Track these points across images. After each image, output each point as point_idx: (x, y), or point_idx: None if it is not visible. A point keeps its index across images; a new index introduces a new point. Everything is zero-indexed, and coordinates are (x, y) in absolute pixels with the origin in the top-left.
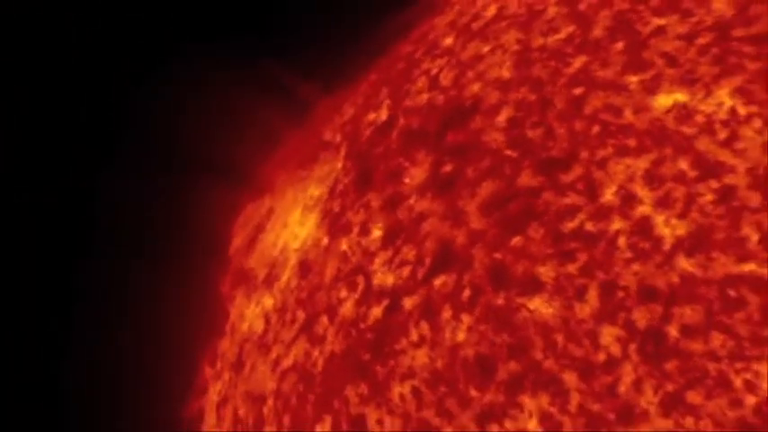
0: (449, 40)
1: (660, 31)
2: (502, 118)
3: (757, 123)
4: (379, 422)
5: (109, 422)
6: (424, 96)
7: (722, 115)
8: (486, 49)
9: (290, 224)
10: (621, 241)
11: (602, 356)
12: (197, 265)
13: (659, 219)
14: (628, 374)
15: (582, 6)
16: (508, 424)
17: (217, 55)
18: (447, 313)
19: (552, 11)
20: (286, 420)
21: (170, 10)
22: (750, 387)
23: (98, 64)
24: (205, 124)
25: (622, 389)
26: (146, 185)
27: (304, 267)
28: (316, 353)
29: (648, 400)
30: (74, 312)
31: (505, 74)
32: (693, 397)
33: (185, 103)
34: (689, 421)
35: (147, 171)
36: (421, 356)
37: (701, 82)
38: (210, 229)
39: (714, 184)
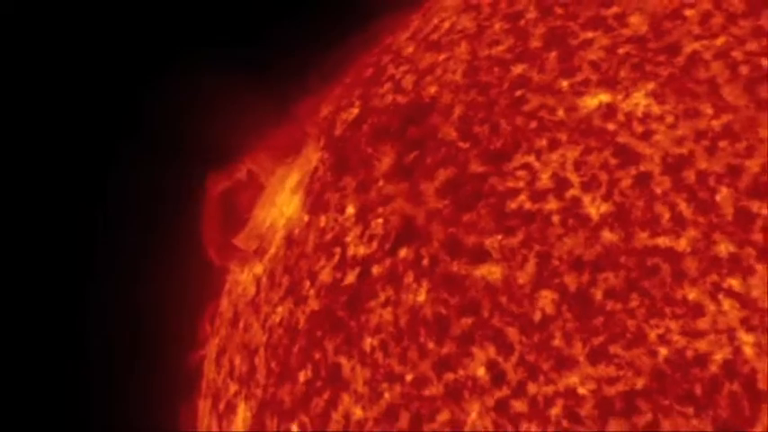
0: (410, 50)
1: (587, 43)
2: (455, 115)
3: (669, 120)
4: (353, 369)
5: (125, 372)
6: (390, 97)
7: (639, 113)
8: (441, 57)
9: (277, 204)
10: (555, 218)
11: (538, 315)
12: (198, 242)
13: (587, 199)
14: (560, 330)
15: (522, 23)
16: (461, 371)
17: (210, 60)
18: (409, 279)
19: (497, 26)
20: (274, 367)
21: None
22: (663, 340)
23: (99, 66)
24: (202, 119)
25: (556, 342)
26: (151, 175)
27: (289, 240)
28: (299, 311)
29: (578, 351)
30: (89, 279)
31: (458, 78)
32: (615, 349)
33: (182, 100)
34: (611, 369)
35: (153, 161)
36: (387, 315)
37: (621, 85)
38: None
39: (632, 170)
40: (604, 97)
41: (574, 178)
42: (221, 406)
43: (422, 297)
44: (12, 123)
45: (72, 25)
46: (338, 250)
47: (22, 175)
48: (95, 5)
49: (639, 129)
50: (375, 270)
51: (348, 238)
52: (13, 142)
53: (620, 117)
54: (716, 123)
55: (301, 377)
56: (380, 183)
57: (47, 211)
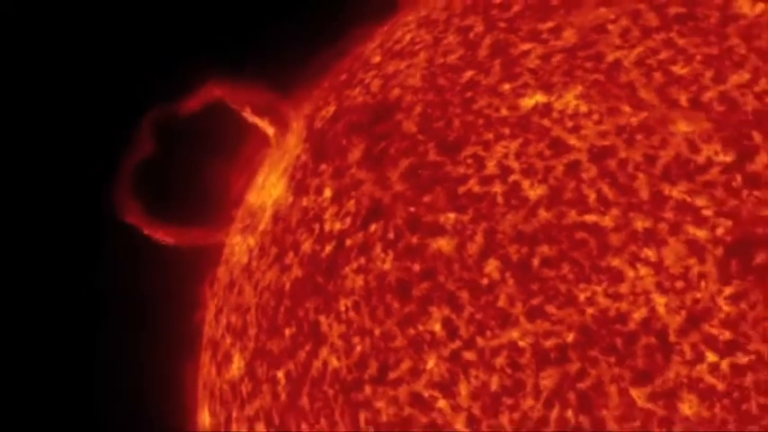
0: (377, 59)
1: (526, 52)
2: (415, 113)
3: (595, 117)
4: (330, 326)
5: (137, 330)
6: (360, 98)
7: (570, 111)
8: (403, 65)
9: (266, 187)
10: (499, 199)
11: (486, 280)
12: (199, 221)
13: (526, 183)
14: (503, 293)
15: (471, 35)
16: (420, 327)
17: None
18: (377, 250)
19: (450, 38)
20: (264, 324)
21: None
22: (590, 301)
23: (99, 66)
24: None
25: (500, 303)
26: (151, 173)
27: (276, 218)
28: (284, 277)
29: (519, 311)
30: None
31: (417, 82)
32: (550, 308)
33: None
34: (546, 325)
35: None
36: (359, 280)
37: (555, 88)
38: (210, 195)
39: (564, 159)
40: (540, 98)
41: (515, 166)
42: (219, 356)
43: (388, 265)
44: (11, 123)
45: (72, 25)
46: (317, 226)
47: (21, 174)
48: (96, 5)
49: (570, 124)
50: (348, 242)
51: (326, 216)
52: (13, 142)
53: (554, 115)
54: (634, 120)
55: (286, 332)
56: (353, 170)
57: (46, 210)
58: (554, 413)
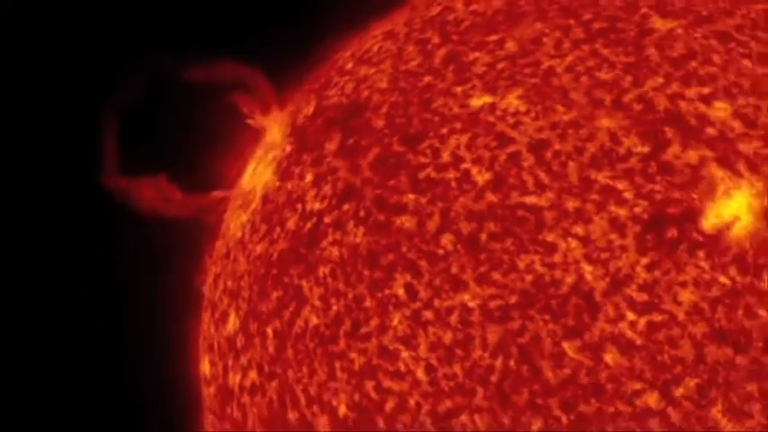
0: (350, 65)
1: (475, 60)
2: (382, 111)
3: (532, 115)
4: (310, 289)
5: (145, 293)
6: (336, 99)
7: (512, 110)
8: (372, 71)
9: (257, 173)
10: (453, 184)
11: (441, 251)
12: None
13: (474, 170)
14: (456, 262)
15: (429, 46)
16: (386, 290)
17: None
18: (350, 225)
19: (411, 48)
20: (255, 288)
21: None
22: (528, 269)
23: (99, 67)
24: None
25: (453, 270)
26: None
27: (265, 199)
28: (272, 249)
29: (469, 277)
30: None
31: (384, 85)
32: (495, 275)
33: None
34: (492, 289)
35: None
36: (335, 251)
37: (499, 90)
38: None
39: (507, 150)
40: (487, 99)
41: (466, 155)
42: (217, 315)
43: (359, 238)
44: (11, 124)
45: (72, 25)
46: (300, 206)
47: (20, 174)
48: (96, 6)
49: (511, 120)
50: (326, 219)
51: (307, 197)
52: (13, 143)
53: (498, 112)
54: (565, 117)
55: (274, 295)
56: (329, 158)
57: (45, 209)
58: (498, 362)
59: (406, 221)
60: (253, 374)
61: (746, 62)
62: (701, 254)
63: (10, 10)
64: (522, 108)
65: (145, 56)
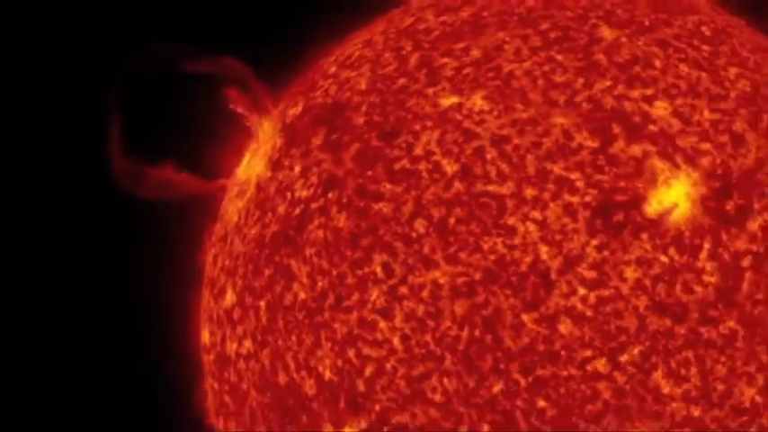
0: (333, 69)
1: (443, 65)
2: (362, 110)
3: (495, 113)
4: (299, 267)
5: (151, 270)
6: (321, 99)
7: (476, 109)
8: (353, 74)
9: (251, 165)
10: (425, 174)
11: (414, 234)
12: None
13: (444, 162)
14: (429, 243)
15: (403, 53)
16: (366, 268)
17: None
18: (334, 211)
19: (387, 54)
20: (249, 267)
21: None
22: (491, 250)
23: (100, 67)
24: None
25: (425, 251)
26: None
27: (258, 188)
28: (265, 231)
29: (439, 257)
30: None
31: (363, 87)
32: (462, 255)
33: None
34: (459, 267)
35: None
36: (320, 234)
37: (465, 92)
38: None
39: (472, 144)
40: (455, 99)
41: (436, 149)
42: (216, 290)
43: (342, 223)
44: (11, 124)
45: (73, 26)
46: (289, 194)
47: (20, 175)
48: (97, 6)
49: (477, 118)
50: (313, 206)
51: (296, 186)
52: (13, 143)
53: (465, 111)
54: (524, 115)
55: (266, 272)
56: (315, 152)
57: (45, 209)
58: (465, 332)
59: (384, 207)
60: (247, 343)
61: (683, 66)
62: (644, 236)
63: (10, 10)
64: (486, 107)
65: (144, 52)
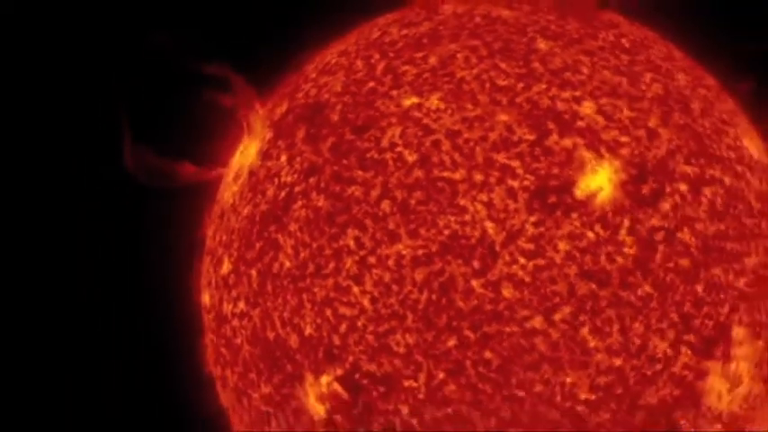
0: (314, 75)
1: (405, 71)
2: (337, 110)
3: (449, 112)
4: (284, 241)
5: (159, 245)
6: (303, 100)
7: (434, 108)
8: (330, 78)
9: (244, 154)
10: (390, 163)
11: (381, 213)
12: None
13: (406, 152)
14: (394, 221)
15: (372, 60)
16: (341, 242)
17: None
18: (314, 194)
19: (358, 62)
20: (243, 241)
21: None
22: (446, 226)
23: (100, 67)
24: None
25: (391, 227)
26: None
27: (250, 174)
28: (255, 210)
29: (402, 232)
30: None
31: (339, 89)
32: (421, 230)
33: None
34: (419, 241)
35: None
36: (302, 212)
37: (424, 93)
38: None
39: (430, 137)
40: (415, 100)
41: (399, 142)
42: (214, 260)
43: (321, 203)
44: (11, 124)
45: (73, 26)
46: (276, 180)
47: (20, 175)
48: (97, 6)
49: (434, 116)
50: (296, 189)
51: (282, 173)
52: (13, 143)
53: (423, 110)
54: (473, 113)
55: (257, 245)
56: (299, 144)
57: (45, 210)
58: (424, 295)
59: (356, 191)
60: (241, 304)
61: (606, 72)
62: (574, 215)
63: (10, 10)
64: (442, 107)
65: (148, 48)
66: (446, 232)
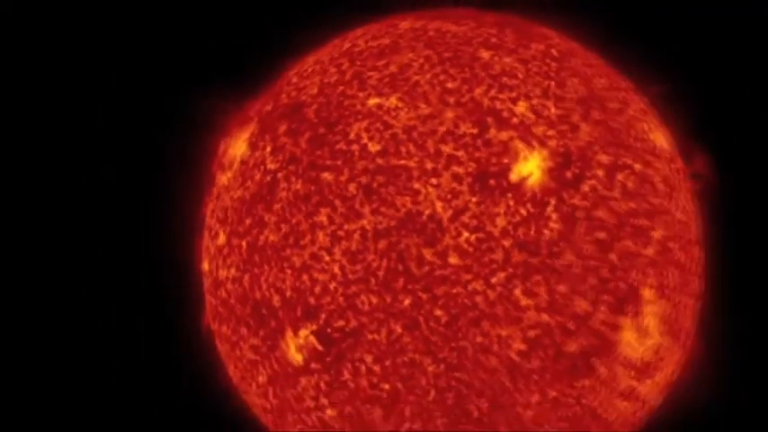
0: (294, 80)
1: (371, 76)
2: (313, 108)
3: (405, 110)
4: (269, 218)
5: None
6: (285, 101)
7: (392, 107)
8: (307, 83)
9: (237, 146)
10: (356, 153)
11: (349, 194)
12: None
13: (370, 144)
14: (359, 201)
15: (342, 68)
16: (316, 218)
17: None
18: (293, 178)
19: (332, 69)
20: (235, 217)
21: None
22: (403, 205)
23: (99, 68)
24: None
25: (356, 206)
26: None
27: (242, 162)
28: (246, 193)
29: (366, 210)
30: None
31: (314, 92)
32: (382, 209)
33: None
34: (379, 217)
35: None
36: (284, 194)
37: (385, 95)
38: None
39: (389, 132)
40: (377, 100)
41: (364, 135)
42: (212, 233)
43: (299, 186)
44: (11, 124)
45: (73, 26)
46: (263, 167)
47: (20, 175)
48: (97, 6)
49: (393, 114)
50: (279, 175)
51: (267, 161)
52: (13, 143)
53: (384, 108)
54: (425, 111)
55: (247, 221)
56: (281, 137)
57: (46, 210)
58: (384, 263)
59: (328, 176)
60: (233, 271)
61: (537, 77)
62: (509, 195)
63: (10, 10)
64: (400, 105)
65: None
66: (402, 210)
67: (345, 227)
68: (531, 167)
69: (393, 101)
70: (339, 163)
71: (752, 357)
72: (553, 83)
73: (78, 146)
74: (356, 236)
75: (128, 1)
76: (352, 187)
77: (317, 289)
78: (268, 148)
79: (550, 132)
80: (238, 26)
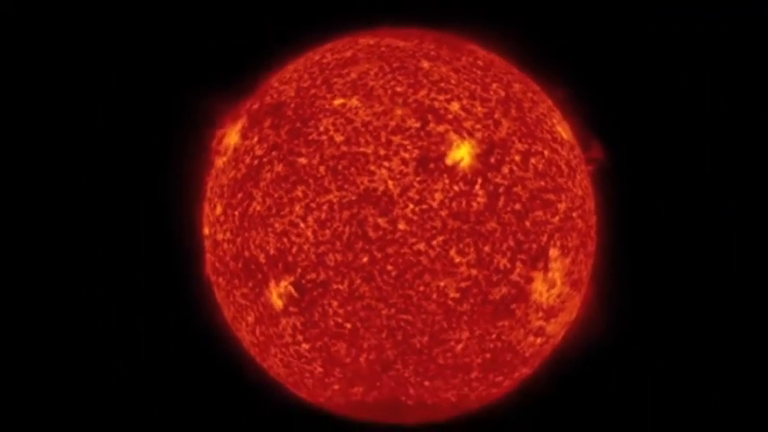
0: (276, 84)
1: (336, 82)
2: (291, 107)
3: (364, 108)
4: (256, 194)
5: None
6: (269, 101)
7: (354, 107)
8: (287, 86)
9: (231, 136)
10: (325, 142)
11: (320, 174)
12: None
13: (336, 135)
14: (327, 179)
15: (314, 76)
16: (293, 194)
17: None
18: (275, 162)
19: (306, 76)
20: (228, 192)
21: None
22: (362, 183)
23: (99, 68)
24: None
25: (325, 184)
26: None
27: (234, 149)
28: (237, 174)
29: (333, 187)
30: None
31: (292, 94)
32: (346, 186)
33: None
34: (344, 192)
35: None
36: (268, 174)
37: (347, 96)
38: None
39: (351, 126)
40: (342, 100)
41: (332, 128)
42: (211, 205)
43: (280, 168)
44: (11, 124)
45: (73, 26)
46: (251, 153)
47: (20, 176)
48: (97, 6)
49: (354, 111)
50: (264, 159)
51: (255, 149)
52: (13, 143)
53: (347, 107)
54: (379, 109)
55: (239, 195)
56: (266, 130)
57: (46, 210)
58: (347, 229)
59: (302, 160)
60: (228, 234)
61: (467, 83)
62: (445, 176)
63: (10, 10)
64: (360, 105)
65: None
66: (362, 187)
67: (317, 200)
68: (462, 153)
69: (354, 101)
70: (312, 150)
71: (635, 302)
72: (479, 87)
73: (78, 146)
74: (325, 207)
75: (128, 1)
76: (322, 169)
77: (294, 249)
78: (255, 138)
79: (478, 126)
80: (232, 37)
